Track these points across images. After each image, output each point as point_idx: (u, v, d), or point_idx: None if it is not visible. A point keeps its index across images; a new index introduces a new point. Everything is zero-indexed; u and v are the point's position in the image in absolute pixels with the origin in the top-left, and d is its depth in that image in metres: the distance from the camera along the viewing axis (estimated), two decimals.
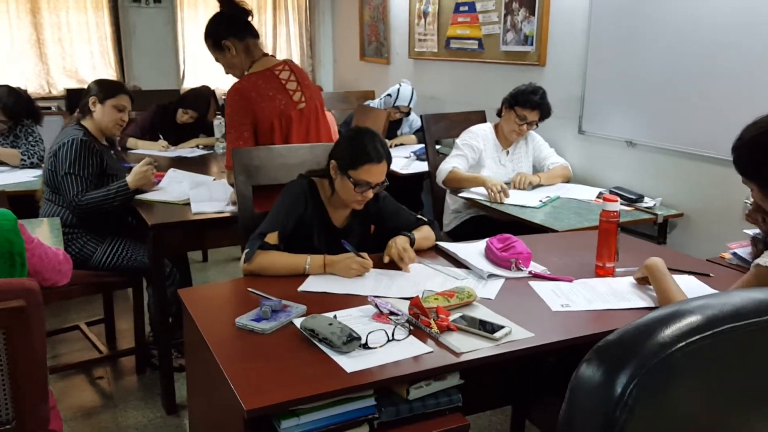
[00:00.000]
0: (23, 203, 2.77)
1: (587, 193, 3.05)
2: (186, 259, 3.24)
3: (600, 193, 3.00)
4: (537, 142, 3.32)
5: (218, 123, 4.06)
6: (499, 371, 1.88)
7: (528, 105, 3.08)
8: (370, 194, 2.01)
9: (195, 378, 1.77)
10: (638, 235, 2.75)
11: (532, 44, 3.75)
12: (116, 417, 2.58)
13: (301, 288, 1.81)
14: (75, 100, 5.41)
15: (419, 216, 2.21)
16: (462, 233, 3.12)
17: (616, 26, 3.15)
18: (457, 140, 3.23)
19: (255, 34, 2.63)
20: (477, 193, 3.03)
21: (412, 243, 2.07)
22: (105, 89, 2.78)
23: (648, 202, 2.89)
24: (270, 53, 2.80)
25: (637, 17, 3.02)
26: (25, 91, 3.70)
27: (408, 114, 4.60)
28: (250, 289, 1.79)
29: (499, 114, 3.24)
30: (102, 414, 2.60)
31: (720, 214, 2.74)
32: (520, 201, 2.90)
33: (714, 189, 2.77)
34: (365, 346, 1.45)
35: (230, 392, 1.26)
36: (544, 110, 3.11)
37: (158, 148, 4.03)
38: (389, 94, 4.53)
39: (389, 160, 2.03)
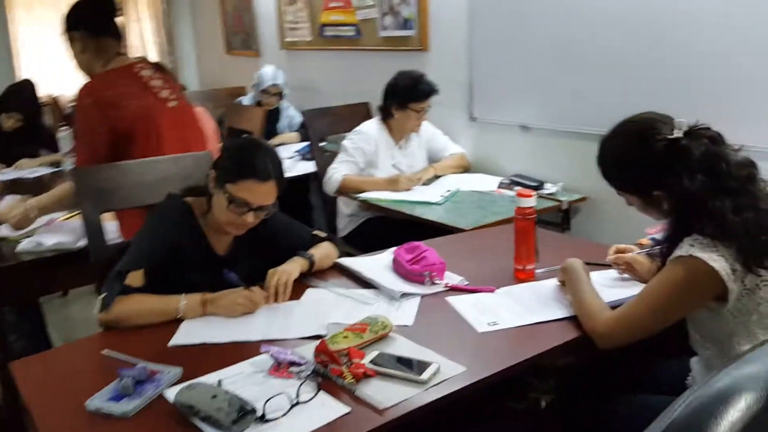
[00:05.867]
0: None
1: (487, 183, 2.88)
2: (35, 303, 2.72)
3: (501, 183, 2.84)
4: (430, 133, 3.11)
5: (64, 135, 3.53)
6: None
7: (423, 96, 2.87)
8: (250, 218, 1.66)
9: None
10: (542, 224, 2.61)
11: (412, 28, 3.54)
12: None
13: (172, 342, 1.46)
14: None
15: (316, 232, 1.91)
16: (359, 237, 2.87)
17: (498, 6, 2.99)
18: (345, 142, 2.94)
19: (116, 35, 2.26)
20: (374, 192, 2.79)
21: (311, 265, 1.78)
22: None
23: (549, 188, 2.76)
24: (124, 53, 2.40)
25: None
26: None
27: (281, 96, 4.24)
28: (106, 351, 1.41)
29: (385, 117, 2.98)
30: None
31: None
32: (419, 197, 2.68)
33: None
34: (263, 419, 1.13)
35: None
36: (435, 91, 2.91)
37: None
38: (254, 84, 4.24)
39: (280, 183, 1.69)
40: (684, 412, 0.52)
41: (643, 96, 2.44)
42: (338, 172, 2.86)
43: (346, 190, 2.85)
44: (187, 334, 1.48)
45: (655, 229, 2.06)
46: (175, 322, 1.54)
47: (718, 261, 1.24)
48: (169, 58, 6.21)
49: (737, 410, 0.49)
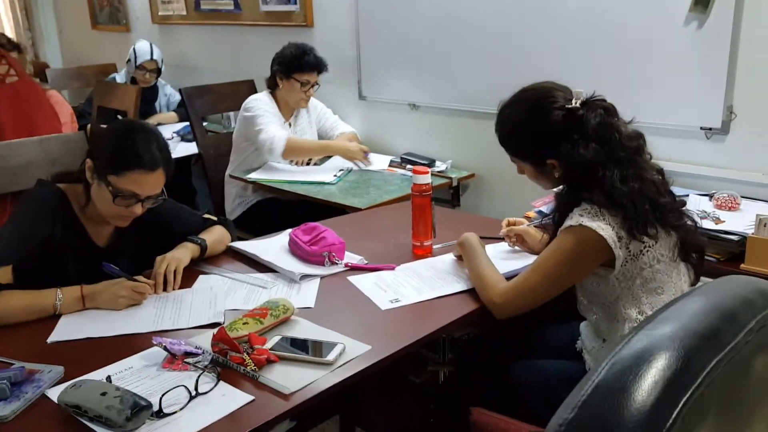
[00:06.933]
0: None
1: (379, 162, 2.88)
2: None
3: (391, 161, 2.86)
4: (320, 111, 3.06)
5: None
6: None
7: (307, 68, 2.79)
8: (138, 210, 1.55)
9: None
10: (433, 201, 2.66)
11: (295, 3, 3.45)
12: None
13: (51, 338, 1.34)
14: None
15: (207, 215, 1.82)
16: (250, 221, 2.78)
17: None
18: (252, 112, 2.78)
19: None
20: (265, 171, 2.75)
21: (203, 250, 1.69)
22: None
23: (440, 165, 2.81)
24: None
25: None
26: None
27: (159, 73, 4.00)
28: None
29: (272, 86, 2.89)
30: None
31: (511, 171, 2.75)
32: (312, 177, 2.63)
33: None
34: (160, 414, 1.06)
35: None
36: (322, 66, 2.86)
37: None
38: (128, 60, 3.95)
39: (168, 169, 1.57)
40: (607, 374, 0.53)
41: (530, 75, 2.51)
42: (274, 133, 2.71)
43: (292, 153, 2.75)
44: (68, 329, 1.37)
45: (540, 202, 2.16)
46: (52, 318, 1.41)
47: (605, 229, 1.31)
48: (27, 33, 5.67)
49: (658, 369, 0.51)
